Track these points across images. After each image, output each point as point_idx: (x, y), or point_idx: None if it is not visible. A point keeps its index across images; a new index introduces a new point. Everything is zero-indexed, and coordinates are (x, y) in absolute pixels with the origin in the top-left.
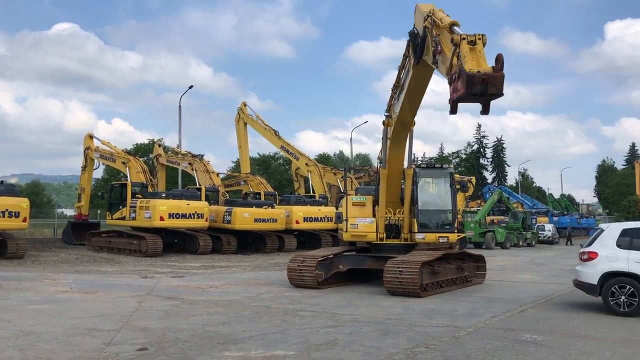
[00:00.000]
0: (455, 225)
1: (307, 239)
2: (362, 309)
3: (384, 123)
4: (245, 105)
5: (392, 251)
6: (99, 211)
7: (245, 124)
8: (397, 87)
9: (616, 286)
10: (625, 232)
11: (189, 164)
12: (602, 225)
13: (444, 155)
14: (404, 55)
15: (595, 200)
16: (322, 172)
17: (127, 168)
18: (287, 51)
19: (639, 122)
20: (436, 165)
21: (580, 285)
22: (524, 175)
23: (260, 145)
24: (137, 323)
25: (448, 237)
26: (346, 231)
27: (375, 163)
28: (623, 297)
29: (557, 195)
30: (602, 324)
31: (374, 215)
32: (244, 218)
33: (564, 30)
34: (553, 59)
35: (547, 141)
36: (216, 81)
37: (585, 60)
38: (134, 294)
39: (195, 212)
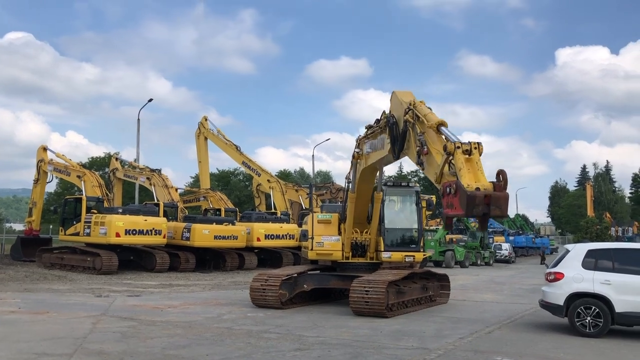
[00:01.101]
0: (421, 244)
1: (268, 257)
2: (328, 331)
3: (354, 156)
4: (206, 119)
5: (357, 270)
6: (50, 226)
7: (206, 138)
8: (370, 136)
9: (582, 307)
10: (590, 253)
11: (147, 178)
12: (568, 246)
13: (403, 173)
14: (378, 122)
15: (549, 220)
16: (284, 188)
17: (82, 182)
18: (248, 67)
19: (588, 145)
20: (402, 183)
21: (546, 305)
22: None
23: (220, 161)
24: (92, 346)
25: (414, 256)
26: (311, 249)
27: (336, 180)
28: (589, 318)
29: (512, 215)
30: (569, 345)
31: (339, 233)
32: (204, 235)
33: (517, 55)
34: (507, 82)
35: (501, 162)
36: (175, 95)
37: (538, 84)
38: (88, 314)
39: (153, 229)
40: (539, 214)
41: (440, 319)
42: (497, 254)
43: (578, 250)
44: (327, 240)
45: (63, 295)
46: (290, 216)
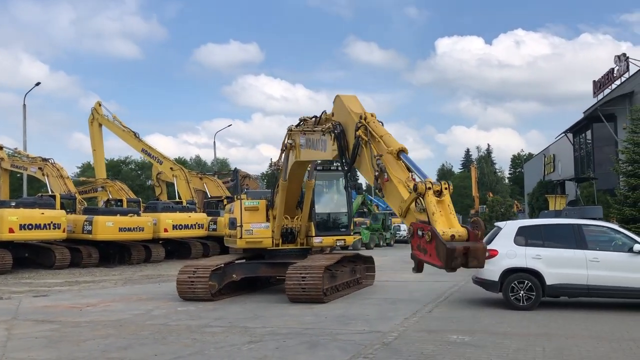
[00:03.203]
0: (351, 227)
1: (175, 248)
2: (272, 320)
3: (286, 147)
4: (100, 105)
5: (287, 257)
6: None
7: (100, 125)
8: (304, 132)
9: (515, 282)
10: (521, 230)
11: (39, 168)
12: (499, 224)
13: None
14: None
15: None
16: (188, 177)
17: None
18: (133, 50)
19: (467, 129)
20: (332, 167)
21: (480, 282)
22: None
23: (107, 150)
24: (17, 355)
25: (345, 239)
26: (241, 237)
27: (232, 166)
28: (522, 292)
29: None
30: (510, 319)
31: (267, 220)
32: (107, 227)
33: (402, 43)
34: (393, 69)
35: None
36: (53, 80)
37: (421, 72)
38: None
39: (52, 222)
40: None
41: (375, 301)
42: (396, 234)
43: (509, 228)
44: (257, 227)
45: None
46: (197, 205)
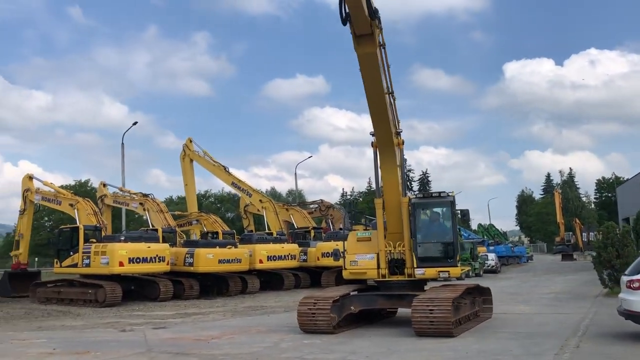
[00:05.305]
0: (457, 258)
1: (268, 279)
2: (409, 355)
3: (372, 144)
4: (191, 141)
5: (402, 288)
6: (36, 259)
7: (192, 160)
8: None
9: None
10: None
11: (140, 204)
12: None
13: (373, 189)
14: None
15: (517, 228)
16: (276, 208)
17: (76, 210)
18: (204, 88)
19: (541, 154)
20: (434, 194)
21: (631, 315)
22: None
23: (179, 184)
24: None
25: (449, 271)
26: (345, 268)
27: (308, 197)
28: None
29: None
30: None
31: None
32: (208, 260)
33: (469, 69)
34: (461, 95)
35: (460, 173)
36: (131, 120)
37: (490, 97)
38: (133, 351)
39: (157, 256)
40: (501, 223)
41: (507, 335)
42: (485, 264)
43: None
44: (361, 258)
45: (84, 332)
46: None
